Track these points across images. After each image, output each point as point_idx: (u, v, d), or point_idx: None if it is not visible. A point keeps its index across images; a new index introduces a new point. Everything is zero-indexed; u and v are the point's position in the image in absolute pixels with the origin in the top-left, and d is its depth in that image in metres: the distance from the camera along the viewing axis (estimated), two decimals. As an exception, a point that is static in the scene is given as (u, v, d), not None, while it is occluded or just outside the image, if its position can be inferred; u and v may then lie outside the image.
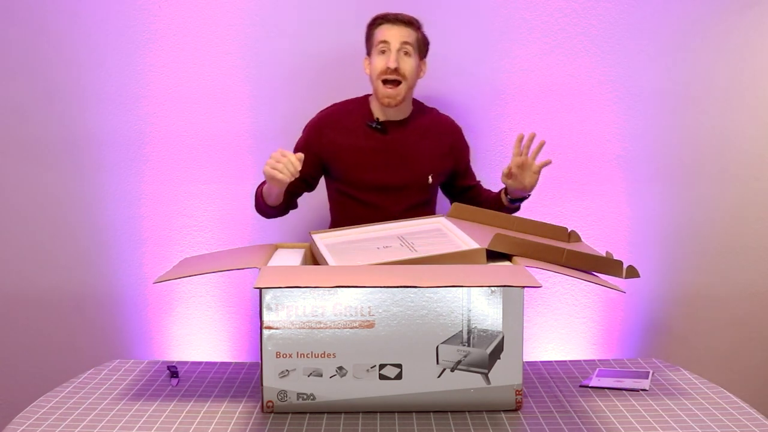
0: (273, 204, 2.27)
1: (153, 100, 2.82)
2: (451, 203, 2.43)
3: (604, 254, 1.97)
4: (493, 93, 2.83)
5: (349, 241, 2.09)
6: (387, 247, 2.00)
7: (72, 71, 2.80)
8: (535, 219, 2.18)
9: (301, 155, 2.05)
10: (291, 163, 2.02)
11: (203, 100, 2.82)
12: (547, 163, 2.23)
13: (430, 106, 2.51)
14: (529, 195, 2.35)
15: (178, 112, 2.83)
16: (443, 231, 2.11)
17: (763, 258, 2.95)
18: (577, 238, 2.15)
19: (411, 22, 2.32)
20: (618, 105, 2.85)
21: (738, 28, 2.83)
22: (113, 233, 2.87)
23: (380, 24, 2.31)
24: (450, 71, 2.81)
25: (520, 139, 2.22)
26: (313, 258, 2.09)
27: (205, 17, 2.79)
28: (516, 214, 2.24)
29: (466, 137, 2.52)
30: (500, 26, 2.80)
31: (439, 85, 2.79)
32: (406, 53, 2.29)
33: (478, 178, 2.58)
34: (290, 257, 2.04)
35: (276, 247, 2.15)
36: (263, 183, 2.30)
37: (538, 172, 2.24)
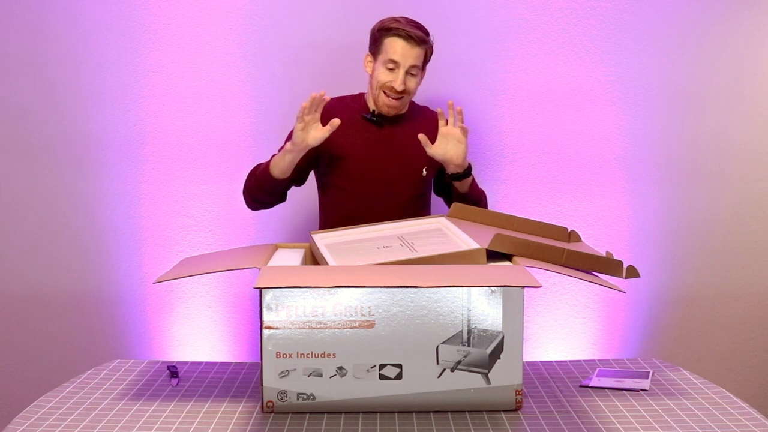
0: (282, 176, 2.24)
1: (153, 100, 2.82)
2: (447, 203, 2.42)
3: (604, 254, 1.97)
4: (493, 93, 2.83)
5: (349, 241, 2.09)
6: (387, 247, 2.00)
7: (72, 71, 2.80)
8: (535, 219, 2.18)
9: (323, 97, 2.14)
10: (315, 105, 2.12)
11: (203, 100, 2.82)
12: (465, 130, 2.23)
13: (426, 106, 2.49)
14: (467, 172, 2.31)
15: (178, 112, 2.83)
16: (443, 231, 2.11)
17: (763, 258, 2.95)
18: (577, 238, 2.15)
19: (424, 40, 2.26)
20: (618, 105, 2.85)
21: (738, 28, 2.83)
22: (113, 233, 2.87)
23: (393, 36, 2.25)
24: (450, 71, 2.81)
25: (442, 112, 2.27)
26: (313, 258, 2.09)
27: (205, 17, 2.79)
28: (516, 214, 2.24)
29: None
30: (500, 26, 2.80)
31: (440, 85, 2.79)
32: (413, 74, 2.28)
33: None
34: (290, 257, 2.04)
35: (276, 247, 2.15)
36: (258, 165, 2.31)
37: (464, 142, 2.24)
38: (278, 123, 2.81)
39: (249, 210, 2.40)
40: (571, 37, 2.82)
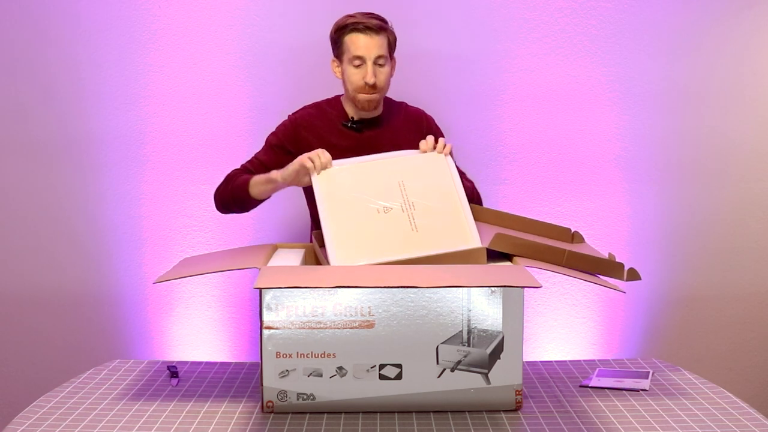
0: (259, 198, 2.23)
1: (153, 100, 2.82)
2: None
3: (606, 255, 1.97)
4: (493, 93, 2.83)
5: (351, 187, 2.03)
6: (388, 210, 1.95)
7: (72, 71, 2.80)
8: (537, 219, 2.17)
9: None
10: (326, 162, 2.05)
11: (203, 100, 2.82)
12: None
13: (403, 102, 2.43)
14: None
15: (178, 112, 2.83)
16: (449, 194, 2.04)
17: (763, 258, 2.95)
18: (581, 239, 2.15)
19: (382, 28, 2.21)
20: (618, 105, 2.85)
21: (738, 29, 2.83)
22: (113, 233, 2.87)
23: (351, 32, 2.20)
24: (450, 71, 2.81)
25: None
26: (314, 258, 2.09)
27: (205, 17, 2.79)
28: (519, 214, 2.23)
29: (465, 137, 2.51)
30: (500, 26, 2.80)
31: (439, 85, 2.79)
32: (381, 65, 2.22)
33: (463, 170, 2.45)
34: (290, 257, 2.04)
35: (276, 247, 2.15)
36: (235, 173, 2.27)
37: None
38: (278, 123, 2.80)
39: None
40: (571, 37, 2.81)
